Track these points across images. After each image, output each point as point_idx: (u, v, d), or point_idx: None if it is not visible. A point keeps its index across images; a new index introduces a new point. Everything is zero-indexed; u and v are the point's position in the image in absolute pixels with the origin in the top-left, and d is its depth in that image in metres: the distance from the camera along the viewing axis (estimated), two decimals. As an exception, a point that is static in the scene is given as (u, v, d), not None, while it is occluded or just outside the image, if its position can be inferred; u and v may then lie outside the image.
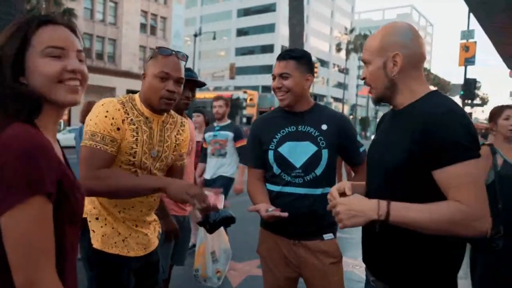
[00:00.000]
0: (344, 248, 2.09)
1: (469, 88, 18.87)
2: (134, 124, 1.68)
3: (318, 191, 1.98)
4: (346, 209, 1.26)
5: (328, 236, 2.00)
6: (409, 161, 1.26)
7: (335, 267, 1.99)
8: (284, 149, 2.00)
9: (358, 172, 2.11)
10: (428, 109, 1.26)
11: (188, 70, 2.73)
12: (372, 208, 1.23)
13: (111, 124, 1.62)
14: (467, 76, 18.38)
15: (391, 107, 1.45)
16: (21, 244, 0.86)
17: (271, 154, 2.02)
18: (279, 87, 2.00)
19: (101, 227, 1.70)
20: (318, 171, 1.97)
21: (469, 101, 21.68)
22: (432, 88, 1.38)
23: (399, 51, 1.31)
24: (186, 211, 2.75)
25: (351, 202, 1.28)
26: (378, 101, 1.42)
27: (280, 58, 2.03)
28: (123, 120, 1.66)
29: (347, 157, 2.13)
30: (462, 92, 19.20)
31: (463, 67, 17.97)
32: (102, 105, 1.65)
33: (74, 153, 4.11)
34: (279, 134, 2.03)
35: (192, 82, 2.60)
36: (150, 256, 1.83)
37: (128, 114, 1.68)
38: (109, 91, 29.78)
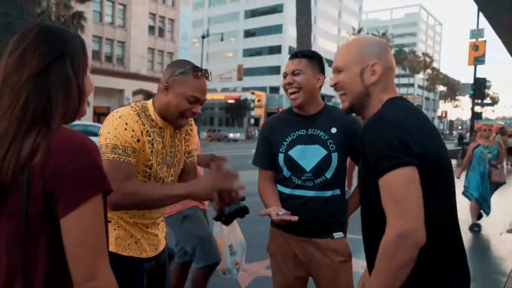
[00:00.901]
0: (352, 248, 2.09)
1: (479, 87, 18.70)
2: (150, 136, 1.69)
3: (328, 193, 1.99)
4: None
5: (338, 234, 2.00)
6: (364, 175, 1.35)
7: (345, 266, 1.99)
8: (294, 153, 2.01)
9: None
10: (367, 121, 1.32)
11: None
12: None
13: (132, 137, 1.62)
14: (477, 75, 18.22)
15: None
16: (84, 241, 0.91)
17: (281, 157, 2.03)
18: (290, 83, 2.01)
19: (114, 229, 1.71)
20: (328, 174, 1.98)
21: (479, 101, 21.48)
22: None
23: (378, 61, 1.35)
24: (206, 205, 2.87)
25: None
26: (348, 109, 1.42)
27: (293, 56, 2.05)
28: (141, 132, 1.66)
29: (357, 158, 2.12)
30: (472, 92, 19.03)
31: (472, 66, 17.82)
32: (120, 117, 1.63)
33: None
34: (289, 138, 2.03)
35: None
36: (159, 256, 1.85)
37: (144, 126, 1.68)
38: (118, 93, 30.02)
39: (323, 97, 56.47)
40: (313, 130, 2.02)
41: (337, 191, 2.03)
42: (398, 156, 1.16)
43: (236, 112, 48.14)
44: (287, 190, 2.03)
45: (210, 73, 1.77)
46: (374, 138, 1.22)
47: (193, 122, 1.98)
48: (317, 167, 1.97)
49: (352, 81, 1.37)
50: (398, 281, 1.16)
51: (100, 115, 28.30)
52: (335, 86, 1.43)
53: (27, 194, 0.90)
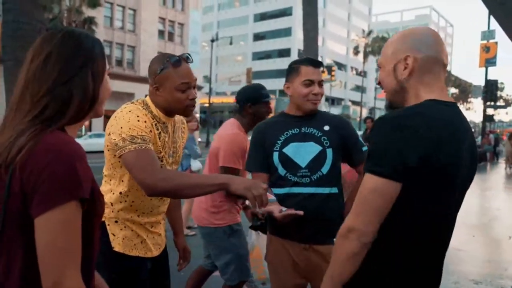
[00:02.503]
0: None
1: (491, 89, 18.48)
2: (158, 129, 1.73)
3: (326, 190, 1.99)
4: None
5: None
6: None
7: None
8: (289, 150, 2.03)
9: (361, 173, 2.11)
10: (385, 114, 1.27)
11: (265, 88, 2.71)
12: None
13: (145, 127, 1.65)
14: (490, 77, 18.01)
15: None
16: (52, 245, 0.91)
17: (275, 155, 2.04)
18: (317, 94, 2.05)
19: (121, 230, 1.73)
20: (325, 169, 1.99)
21: (492, 103, 21.21)
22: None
23: (412, 54, 1.24)
24: (238, 217, 2.73)
25: None
26: (389, 106, 1.38)
27: (315, 64, 2.08)
28: (151, 124, 1.70)
29: (350, 156, 2.12)
30: (483, 94, 18.82)
31: (484, 68, 17.61)
32: (130, 111, 1.66)
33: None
34: (283, 136, 2.06)
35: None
36: (161, 254, 1.88)
37: (152, 120, 1.72)
38: (128, 97, 30.23)
39: (333, 100, 56.28)
40: (306, 128, 2.06)
41: (335, 189, 2.03)
42: (383, 165, 1.13)
43: (245, 115, 48.05)
44: (283, 190, 2.02)
45: (190, 55, 1.79)
46: (378, 135, 1.18)
47: (185, 121, 2.02)
48: (313, 163, 1.99)
49: (387, 78, 1.32)
50: (345, 273, 1.20)
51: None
52: (379, 84, 1.38)
53: (7, 191, 0.92)
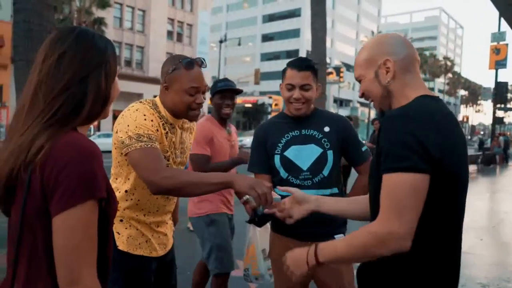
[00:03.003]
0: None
1: (501, 91, 18.30)
2: (165, 129, 1.75)
3: (327, 191, 2.00)
4: (291, 262, 1.35)
5: (339, 236, 2.01)
6: (375, 165, 1.25)
7: (348, 268, 2.02)
8: (290, 153, 2.03)
9: (361, 172, 2.13)
10: (390, 112, 1.23)
11: (225, 80, 2.89)
12: (303, 257, 1.30)
13: (152, 126, 1.66)
14: (500, 79, 17.83)
15: None
16: (70, 243, 0.91)
17: (277, 158, 2.05)
18: (298, 98, 2.00)
19: (126, 228, 1.75)
20: (326, 172, 2.00)
21: (502, 105, 21.00)
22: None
23: (389, 57, 1.27)
24: (232, 211, 2.90)
25: (290, 255, 1.37)
26: (380, 114, 1.39)
27: (299, 68, 2.01)
28: (158, 123, 1.71)
29: (350, 156, 2.13)
30: (493, 96, 18.64)
31: (494, 70, 17.44)
32: (137, 110, 1.68)
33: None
34: (284, 139, 2.06)
35: (232, 91, 2.82)
36: (167, 254, 1.89)
37: (160, 119, 1.74)
38: (137, 97, 30.40)
39: (341, 101, 56.06)
40: (306, 130, 2.05)
41: (335, 190, 2.04)
42: (408, 157, 1.09)
43: (253, 116, 48.18)
44: (285, 193, 2.04)
45: (204, 60, 1.79)
46: (390, 131, 1.15)
47: (195, 124, 2.04)
48: (314, 165, 2.00)
49: (371, 87, 1.32)
50: (357, 261, 1.27)
51: (119, 119, 28.68)
52: (363, 96, 1.38)
53: (27, 190, 0.93)
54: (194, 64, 1.73)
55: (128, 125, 1.62)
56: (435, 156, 1.10)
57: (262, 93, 51.93)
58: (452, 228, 1.23)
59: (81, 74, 0.99)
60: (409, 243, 1.10)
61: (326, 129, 2.05)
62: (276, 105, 48.39)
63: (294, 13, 57.16)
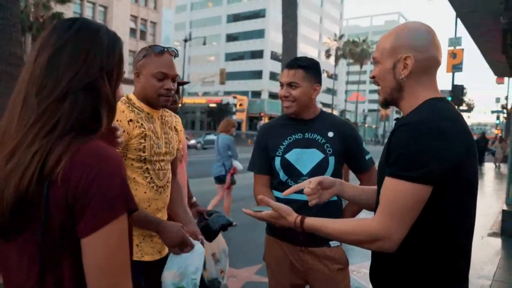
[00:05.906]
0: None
1: (457, 94, 19.17)
2: (138, 122, 1.73)
3: None
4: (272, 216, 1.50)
5: (334, 243, 2.00)
6: (381, 167, 1.28)
7: (342, 274, 2.00)
8: (291, 156, 2.00)
9: (363, 180, 2.11)
10: (404, 118, 1.26)
11: None
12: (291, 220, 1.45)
13: (124, 118, 1.66)
14: (455, 82, 18.68)
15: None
16: (112, 260, 0.84)
17: (277, 160, 2.02)
18: (286, 96, 1.99)
19: None
20: None
21: (458, 107, 22.03)
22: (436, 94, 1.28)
23: (411, 54, 1.24)
24: None
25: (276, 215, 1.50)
26: (385, 103, 1.37)
27: (289, 66, 2.01)
28: (128, 121, 1.70)
29: (353, 164, 2.13)
30: (450, 98, 19.51)
31: (451, 74, 18.25)
32: None
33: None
34: (286, 141, 2.03)
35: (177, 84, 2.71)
36: (163, 259, 1.82)
37: (131, 114, 1.73)
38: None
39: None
40: (310, 134, 2.02)
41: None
42: (416, 168, 1.11)
43: (218, 116, 47.98)
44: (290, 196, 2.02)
45: (177, 51, 1.83)
46: (402, 140, 1.16)
47: (178, 117, 2.04)
48: (314, 171, 1.97)
49: (385, 76, 1.30)
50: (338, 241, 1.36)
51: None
52: (373, 79, 1.36)
53: (46, 208, 0.82)
54: (164, 51, 1.76)
55: None
56: (446, 169, 1.12)
57: (227, 93, 51.82)
58: (466, 232, 1.26)
59: (82, 85, 0.88)
60: (396, 248, 1.17)
61: (330, 134, 2.01)
62: (240, 105, 48.45)
63: (258, 14, 57.40)
